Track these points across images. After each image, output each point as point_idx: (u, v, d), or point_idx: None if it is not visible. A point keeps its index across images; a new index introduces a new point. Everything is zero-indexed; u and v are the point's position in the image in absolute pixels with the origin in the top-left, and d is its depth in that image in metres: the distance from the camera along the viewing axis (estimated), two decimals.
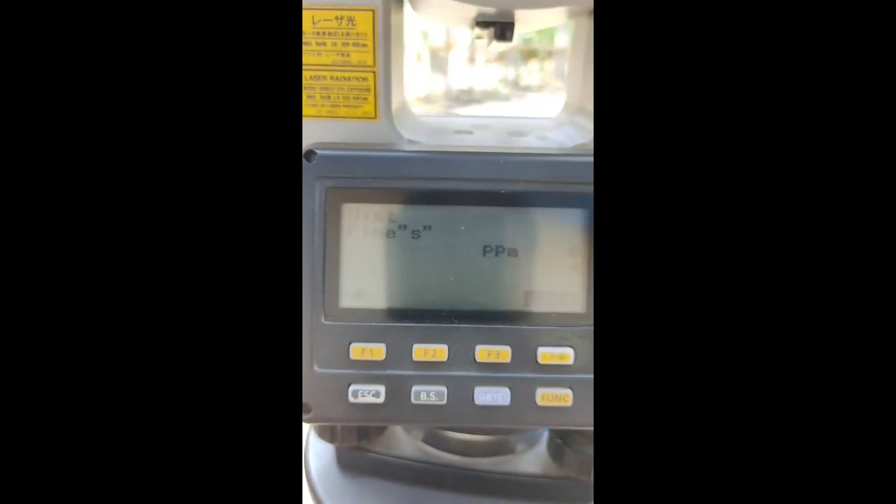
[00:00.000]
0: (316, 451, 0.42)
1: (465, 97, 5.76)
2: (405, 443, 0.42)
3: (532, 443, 0.42)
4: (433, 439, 0.41)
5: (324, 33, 0.28)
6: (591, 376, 0.27)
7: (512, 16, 0.30)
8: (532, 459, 0.41)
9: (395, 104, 0.31)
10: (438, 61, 6.01)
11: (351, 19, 0.28)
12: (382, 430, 0.41)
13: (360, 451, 0.41)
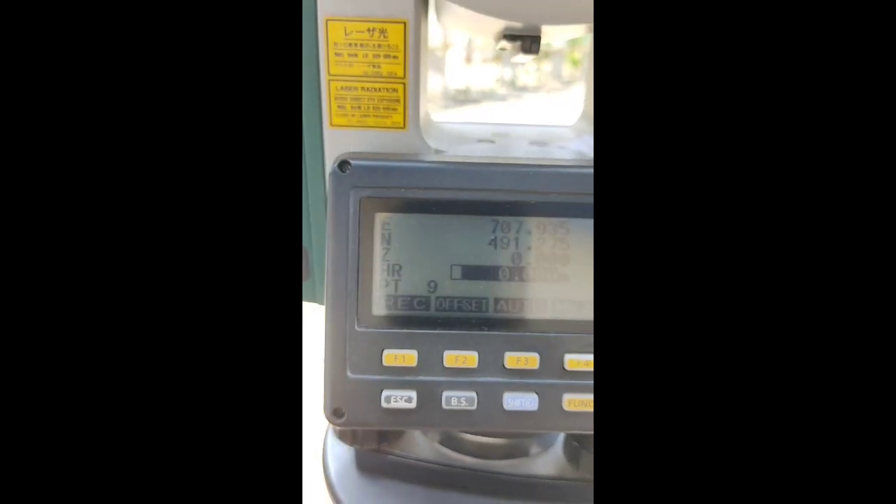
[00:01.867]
0: (335, 454, 0.42)
1: (462, 97, 5.76)
2: (423, 445, 0.42)
3: (546, 445, 0.42)
4: (450, 442, 0.42)
5: (356, 45, 0.29)
6: None
7: (539, 30, 0.31)
8: (548, 462, 0.41)
9: (421, 114, 0.31)
10: (435, 60, 5.99)
11: (383, 31, 0.28)
12: (401, 433, 0.41)
13: (379, 453, 0.41)
